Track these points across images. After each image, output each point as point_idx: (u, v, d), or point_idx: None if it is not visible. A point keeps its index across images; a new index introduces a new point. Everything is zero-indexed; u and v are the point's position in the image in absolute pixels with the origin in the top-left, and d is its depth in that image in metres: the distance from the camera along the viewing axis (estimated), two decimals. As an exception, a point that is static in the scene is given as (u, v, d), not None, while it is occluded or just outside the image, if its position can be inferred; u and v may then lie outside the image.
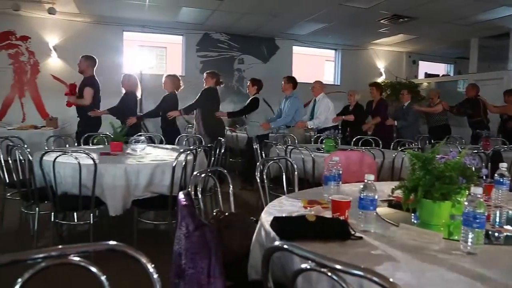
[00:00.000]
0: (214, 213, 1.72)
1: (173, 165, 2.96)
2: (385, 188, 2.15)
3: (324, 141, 4.48)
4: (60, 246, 0.91)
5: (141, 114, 5.66)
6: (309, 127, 5.99)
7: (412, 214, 1.68)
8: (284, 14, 7.25)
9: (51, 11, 6.87)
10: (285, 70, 9.38)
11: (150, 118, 5.97)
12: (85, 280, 1.29)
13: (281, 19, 7.64)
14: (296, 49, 9.79)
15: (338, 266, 0.90)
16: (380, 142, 5.11)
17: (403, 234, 1.45)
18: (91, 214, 3.05)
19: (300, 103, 5.89)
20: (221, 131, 5.52)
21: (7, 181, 3.73)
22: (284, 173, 2.62)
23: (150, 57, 8.70)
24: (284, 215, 1.63)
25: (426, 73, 10.94)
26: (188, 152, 3.10)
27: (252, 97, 5.67)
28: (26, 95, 7.78)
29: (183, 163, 3.01)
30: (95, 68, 5.18)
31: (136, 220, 3.15)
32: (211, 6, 6.90)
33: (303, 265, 0.96)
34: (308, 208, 1.80)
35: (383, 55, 10.48)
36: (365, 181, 1.58)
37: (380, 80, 10.27)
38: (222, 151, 3.78)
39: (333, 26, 7.99)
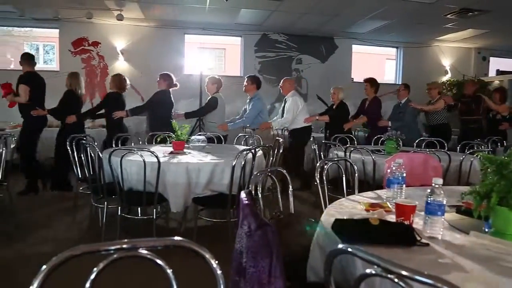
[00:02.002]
0: (274, 213, 1.72)
1: (233, 164, 3.02)
2: (452, 193, 2.03)
3: (385, 143, 4.34)
4: (131, 240, 0.96)
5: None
6: (274, 128, 5.62)
7: (484, 222, 1.57)
8: (344, 12, 7.10)
9: (119, 18, 7.30)
10: (344, 70, 9.22)
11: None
12: (148, 271, 1.36)
13: (341, 18, 7.49)
14: (355, 48, 9.56)
15: (405, 273, 0.86)
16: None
17: (475, 242, 1.36)
18: (154, 210, 3.19)
19: (262, 104, 5.52)
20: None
21: (80, 176, 4.02)
22: (343, 175, 2.56)
23: (209, 59, 8.92)
24: (345, 218, 1.59)
25: (498, 70, 10.16)
26: (248, 151, 3.14)
27: (211, 96, 5.46)
28: (96, 96, 8.31)
29: (242, 163, 3.05)
30: (36, 66, 5.15)
31: (196, 217, 3.26)
32: (270, 7, 6.94)
33: (368, 270, 0.93)
34: (371, 211, 1.75)
35: (449, 52, 9.91)
36: (432, 185, 1.50)
37: (445, 78, 9.73)
38: (281, 151, 3.78)
39: (395, 23, 7.70)
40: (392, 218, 1.62)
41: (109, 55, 8.33)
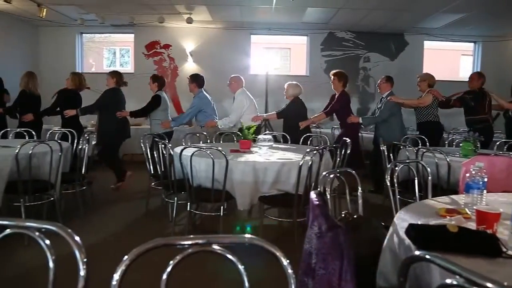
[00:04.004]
0: (343, 215, 1.69)
1: (300, 164, 3.01)
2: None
3: (460, 144, 4.06)
4: (206, 236, 1.00)
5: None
6: (219, 126, 5.29)
7: None
8: (415, 7, 6.75)
9: (189, 21, 7.61)
10: (415, 68, 8.76)
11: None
12: (218, 266, 1.41)
13: (412, 13, 7.14)
14: (427, 44, 9.05)
15: (491, 285, 0.80)
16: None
17: None
18: (221, 207, 3.28)
19: (204, 103, 5.34)
20: (118, 137, 5.34)
21: (152, 172, 4.25)
22: (416, 177, 2.45)
23: (275, 59, 8.97)
24: (419, 223, 1.52)
25: None
26: (315, 152, 3.11)
27: (154, 94, 5.41)
28: (167, 96, 8.73)
29: (309, 163, 3.03)
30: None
31: (262, 216, 3.29)
32: (336, 5, 6.81)
33: (448, 280, 0.88)
34: (447, 217, 1.65)
35: (536, 46, 9.04)
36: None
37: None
38: (348, 151, 3.70)
39: (473, 16, 7.16)
40: (471, 225, 1.51)
41: (179, 57, 8.71)
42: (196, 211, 3.96)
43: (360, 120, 5.17)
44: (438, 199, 2.10)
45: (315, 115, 5.42)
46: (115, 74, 5.34)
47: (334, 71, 5.37)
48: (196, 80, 5.44)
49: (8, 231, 1.02)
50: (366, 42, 8.86)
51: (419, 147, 3.94)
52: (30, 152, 3.29)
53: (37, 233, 1.01)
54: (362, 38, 8.84)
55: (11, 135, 4.87)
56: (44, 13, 6.78)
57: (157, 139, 3.93)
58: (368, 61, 8.92)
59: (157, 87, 5.50)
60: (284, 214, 3.77)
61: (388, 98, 5.11)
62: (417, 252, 0.96)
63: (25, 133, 4.90)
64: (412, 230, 1.36)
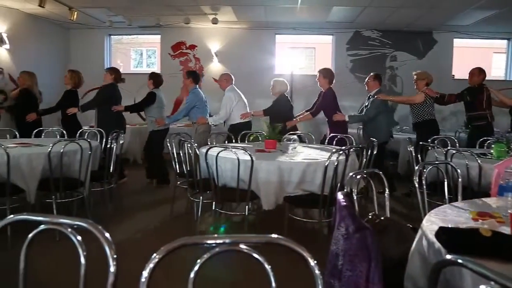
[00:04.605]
0: (370, 217, 1.66)
1: (325, 164, 2.98)
2: None
3: (492, 146, 3.93)
4: (233, 235, 1.00)
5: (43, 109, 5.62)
6: (210, 123, 5.41)
7: None
8: (445, 3, 6.57)
9: (214, 21, 7.66)
10: (444, 66, 8.55)
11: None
12: (244, 266, 1.41)
13: (441, 10, 6.95)
14: (457, 42, 8.80)
15: (528, 293, 0.77)
16: None
17: None
18: (246, 207, 3.29)
19: (198, 99, 5.41)
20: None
21: (178, 171, 4.30)
22: (445, 179, 2.38)
23: (300, 58, 8.92)
24: (450, 226, 1.48)
25: None
26: (341, 152, 3.08)
27: (149, 91, 5.50)
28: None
29: (335, 163, 3.00)
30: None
31: (287, 216, 3.28)
32: (362, 3, 6.71)
33: (482, 286, 0.85)
34: (480, 220, 1.60)
35: None
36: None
37: None
38: (375, 152, 3.64)
39: (506, 12, 6.90)
40: (505, 230, 1.46)
41: (204, 57, 8.79)
42: (222, 210, 3.99)
43: (346, 118, 5.05)
44: (469, 201, 2.04)
45: (300, 115, 5.41)
46: (114, 71, 5.50)
47: (321, 68, 5.34)
48: (192, 76, 5.58)
49: (42, 226, 1.05)
50: (393, 41, 8.69)
51: (449, 148, 3.83)
52: (61, 150, 3.40)
53: (69, 229, 1.04)
54: (389, 36, 8.68)
55: (43, 134, 5.03)
56: (75, 16, 6.98)
57: (182, 139, 3.98)
58: (395, 60, 8.75)
59: (153, 84, 5.59)
60: (308, 214, 3.74)
61: (376, 97, 5.03)
62: (448, 256, 0.93)
63: (56, 132, 5.07)
64: (443, 233, 1.32)
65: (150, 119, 5.54)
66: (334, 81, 5.22)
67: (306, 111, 5.38)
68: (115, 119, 5.37)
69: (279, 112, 5.26)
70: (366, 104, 5.17)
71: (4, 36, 6.90)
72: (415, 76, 5.25)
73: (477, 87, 5.02)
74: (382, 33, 8.66)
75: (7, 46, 6.96)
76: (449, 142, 4.66)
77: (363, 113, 5.12)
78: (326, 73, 5.16)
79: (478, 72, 5.05)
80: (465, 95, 5.02)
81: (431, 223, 1.58)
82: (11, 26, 7.06)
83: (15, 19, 7.17)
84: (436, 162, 2.62)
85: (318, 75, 5.21)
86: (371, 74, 5.31)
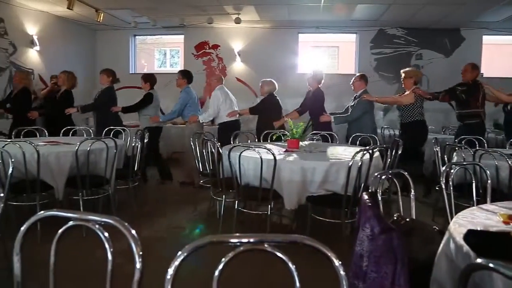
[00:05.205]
0: (395, 218, 1.63)
1: (349, 164, 2.94)
2: None
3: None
4: (258, 234, 1.00)
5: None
6: (200, 121, 5.51)
7: None
8: (473, 0, 6.39)
9: (237, 21, 7.69)
10: (472, 64, 8.30)
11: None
12: (268, 265, 1.41)
13: (469, 6, 6.76)
14: (486, 39, 8.54)
15: None
16: None
17: None
18: (269, 206, 3.28)
19: (190, 97, 5.56)
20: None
21: (201, 170, 4.34)
22: (474, 181, 2.32)
23: (323, 57, 8.86)
24: (479, 229, 1.43)
25: None
26: (365, 152, 3.03)
27: (146, 93, 5.59)
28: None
29: (359, 163, 2.96)
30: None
31: (309, 216, 3.26)
32: (387, 1, 6.60)
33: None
34: (511, 223, 1.55)
35: None
36: None
37: None
38: (399, 152, 3.57)
39: (539, 9, 6.68)
40: (538, 233, 1.40)
41: (227, 57, 8.84)
42: (244, 209, 4.00)
43: (332, 119, 5.02)
44: (498, 204, 1.98)
45: (289, 113, 5.46)
46: (111, 73, 5.58)
47: (311, 71, 5.44)
48: (187, 76, 5.70)
49: (71, 223, 1.08)
50: (418, 39, 8.52)
51: (477, 148, 3.73)
52: (88, 148, 3.48)
53: (97, 226, 1.06)
54: (415, 34, 8.50)
55: (70, 132, 5.17)
56: (101, 18, 7.15)
57: (205, 138, 4.01)
58: (421, 59, 8.57)
59: (149, 86, 5.66)
60: (331, 214, 3.71)
61: (361, 97, 4.92)
62: (478, 260, 0.90)
63: (83, 131, 5.20)
64: (471, 237, 1.29)
65: (145, 117, 5.64)
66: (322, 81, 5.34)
67: (295, 110, 5.50)
68: (113, 119, 5.51)
69: (266, 111, 5.37)
70: (352, 104, 5.11)
71: (35, 38, 7.13)
72: (402, 75, 5.10)
73: (472, 84, 4.80)
74: (407, 31, 8.50)
75: (37, 47, 7.19)
76: (477, 143, 4.52)
77: (349, 113, 5.05)
78: (315, 74, 5.31)
79: (471, 68, 4.84)
80: (459, 94, 4.78)
81: (458, 225, 1.54)
82: (41, 29, 7.29)
83: (45, 22, 7.40)
84: (464, 163, 2.55)
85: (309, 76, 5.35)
86: (357, 74, 5.29)
